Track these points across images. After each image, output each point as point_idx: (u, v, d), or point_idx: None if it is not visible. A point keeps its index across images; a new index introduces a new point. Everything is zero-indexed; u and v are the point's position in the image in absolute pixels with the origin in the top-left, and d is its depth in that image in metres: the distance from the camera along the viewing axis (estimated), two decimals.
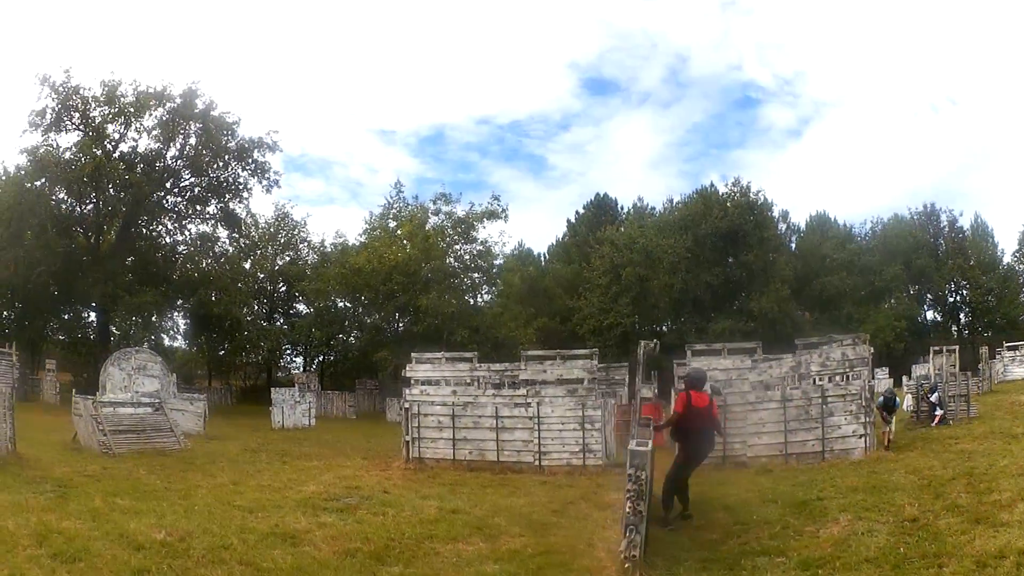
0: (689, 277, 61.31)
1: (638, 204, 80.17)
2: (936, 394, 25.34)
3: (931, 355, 29.70)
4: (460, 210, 58.02)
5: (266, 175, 56.11)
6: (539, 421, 20.07)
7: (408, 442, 20.83)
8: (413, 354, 22.36)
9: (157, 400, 24.70)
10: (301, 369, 69.65)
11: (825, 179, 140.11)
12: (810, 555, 9.35)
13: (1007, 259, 78.84)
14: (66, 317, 57.75)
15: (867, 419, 18.99)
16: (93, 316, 57.26)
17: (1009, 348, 49.87)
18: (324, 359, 68.32)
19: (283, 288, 69.52)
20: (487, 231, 64.81)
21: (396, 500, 14.40)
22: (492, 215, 57.40)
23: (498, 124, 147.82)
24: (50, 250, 48.67)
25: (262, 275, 66.56)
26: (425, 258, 54.14)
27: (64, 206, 53.66)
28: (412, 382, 21.60)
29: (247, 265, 62.16)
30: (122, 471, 17.00)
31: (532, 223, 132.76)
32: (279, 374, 71.27)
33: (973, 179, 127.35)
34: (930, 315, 77.03)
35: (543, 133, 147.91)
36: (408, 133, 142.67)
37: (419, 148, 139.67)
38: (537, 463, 19.83)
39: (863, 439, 18.77)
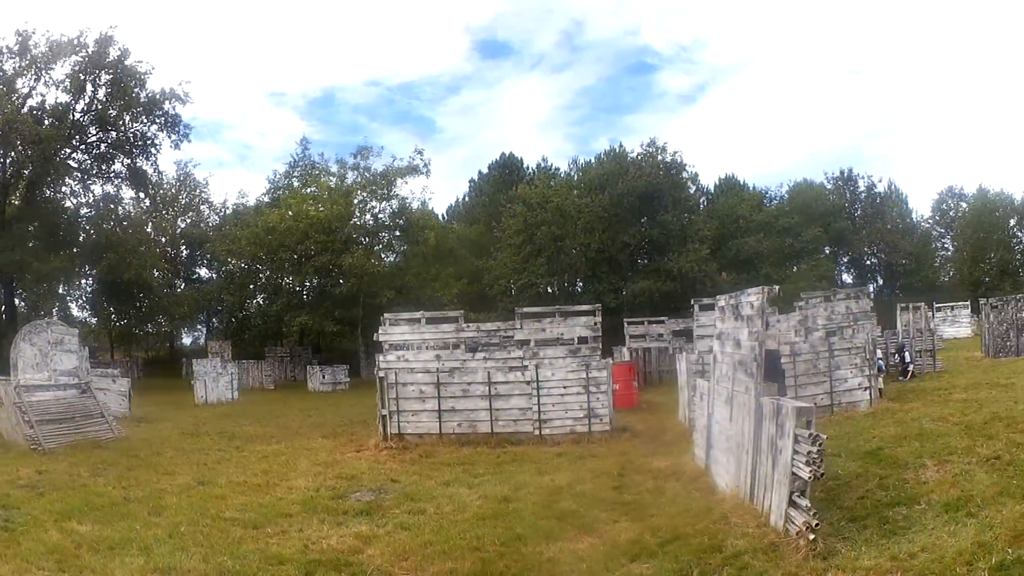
0: (605, 237, 59.92)
1: (542, 164, 78.50)
2: (905, 351, 25.96)
3: (898, 312, 31.64)
4: (380, 164, 54.96)
5: (177, 129, 51.69)
6: (538, 386, 17.91)
7: (385, 416, 18.26)
8: (386, 315, 19.62)
9: (82, 380, 21.14)
10: (203, 338, 66.21)
11: (721, 144, 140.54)
12: (942, 498, 8.86)
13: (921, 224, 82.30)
14: None
15: (870, 372, 18.98)
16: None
17: (938, 309, 52.04)
18: (228, 326, 64.01)
19: (185, 252, 65.30)
20: (409, 187, 61.68)
21: (417, 491, 12.13)
22: (413, 170, 54.41)
23: (388, 86, 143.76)
24: None
25: (164, 239, 62.07)
26: (346, 215, 50.97)
27: None
28: (384, 347, 18.97)
29: (149, 228, 57.37)
30: (62, 475, 13.95)
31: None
32: (181, 343, 67.37)
33: (876, 147, 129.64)
34: (846, 277, 77.86)
35: (433, 96, 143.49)
36: (298, 95, 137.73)
37: (308, 110, 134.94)
38: (537, 432, 17.75)
39: (867, 392, 18.76)
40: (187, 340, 71.66)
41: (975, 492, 8.83)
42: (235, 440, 19.97)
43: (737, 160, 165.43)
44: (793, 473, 8.18)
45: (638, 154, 62.22)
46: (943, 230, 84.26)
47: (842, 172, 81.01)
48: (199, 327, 69.19)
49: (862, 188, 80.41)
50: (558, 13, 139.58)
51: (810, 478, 7.96)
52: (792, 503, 8.21)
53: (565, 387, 17.91)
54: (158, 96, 49.91)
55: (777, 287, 10.42)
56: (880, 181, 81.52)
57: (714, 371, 12.19)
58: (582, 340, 18.39)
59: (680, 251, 58.74)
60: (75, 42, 47.47)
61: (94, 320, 61.90)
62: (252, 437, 20.61)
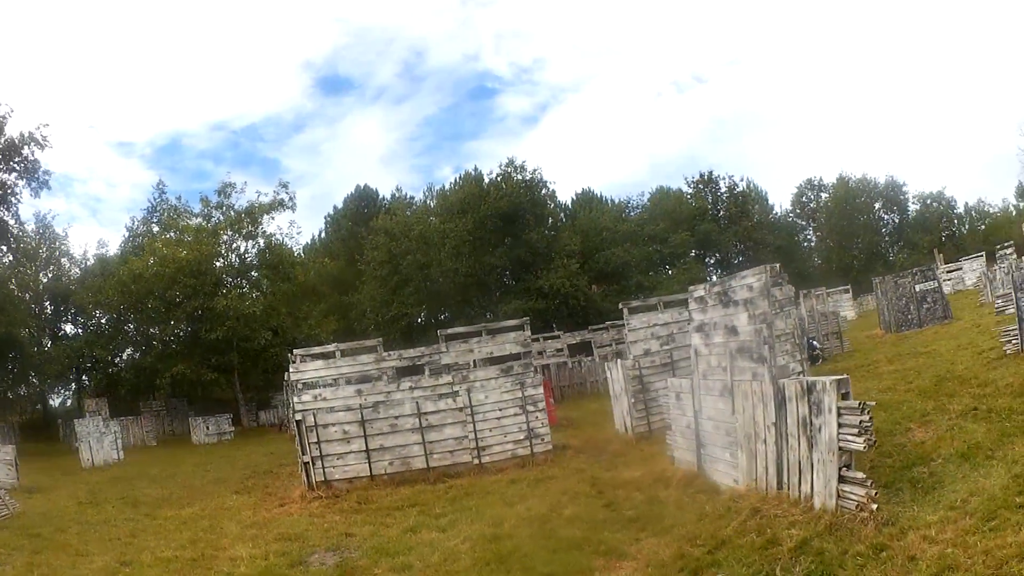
0: (472, 261, 59.47)
1: (397, 194, 77.71)
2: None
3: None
4: (244, 201, 52.62)
5: (36, 176, 47.30)
6: (472, 411, 16.76)
7: (308, 463, 16.71)
8: (296, 351, 18.08)
9: None
10: (73, 398, 61.79)
11: (568, 161, 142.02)
12: (953, 451, 8.97)
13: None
14: None
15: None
16: None
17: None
18: (100, 383, 59.70)
19: (50, 308, 60.75)
20: (276, 222, 59.41)
21: (385, 544, 10.85)
22: (279, 205, 52.32)
23: (232, 129, 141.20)
24: None
25: (28, 295, 57.51)
26: (212, 255, 48.27)
27: None
28: (298, 387, 17.37)
29: (12, 284, 52.76)
30: None
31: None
32: (52, 405, 62.75)
33: (726, 149, 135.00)
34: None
35: (276, 136, 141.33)
36: (145, 144, 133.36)
37: (155, 159, 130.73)
38: (477, 461, 16.59)
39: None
40: (56, 401, 66.71)
41: (978, 440, 9.05)
42: (141, 506, 17.98)
43: (588, 174, 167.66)
44: (840, 448, 7.99)
45: (497, 175, 61.86)
46: (805, 221, 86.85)
47: (702, 175, 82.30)
48: (70, 386, 64.48)
49: (724, 189, 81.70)
50: (398, 43, 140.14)
51: (865, 447, 7.79)
52: (842, 479, 8.01)
53: (501, 409, 16.89)
54: (16, 141, 45.95)
55: (778, 264, 9.85)
56: (741, 180, 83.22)
57: (698, 366, 11.46)
58: (514, 357, 17.37)
59: (548, 268, 58.74)
60: None
61: None
62: (158, 501, 18.61)
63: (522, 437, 16.74)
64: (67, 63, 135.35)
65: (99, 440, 30.74)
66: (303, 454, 16.70)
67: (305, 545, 11.36)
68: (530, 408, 16.82)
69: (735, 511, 8.97)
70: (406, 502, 13.94)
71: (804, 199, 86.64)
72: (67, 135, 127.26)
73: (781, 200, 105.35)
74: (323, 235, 78.13)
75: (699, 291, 11.51)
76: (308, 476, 16.65)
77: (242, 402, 46.54)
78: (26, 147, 46.26)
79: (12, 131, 46.51)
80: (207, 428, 39.50)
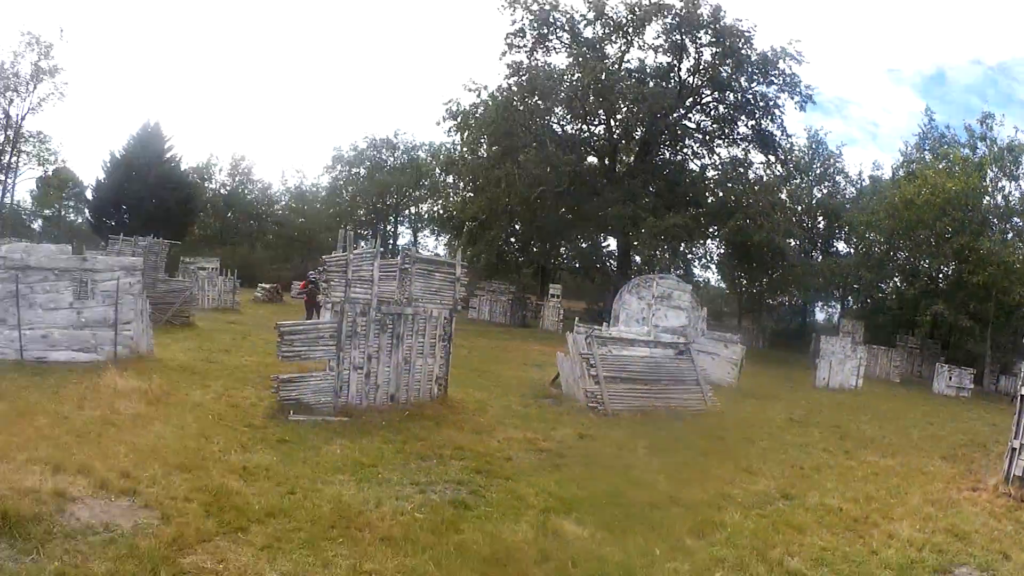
0: None
1: None
2: None
3: None
4: (1004, 136, 46.24)
5: (797, 89, 48.80)
6: None
7: (1015, 450, 13.19)
8: None
9: (682, 341, 18.98)
10: (836, 316, 62.31)
11: None
12: None
13: None
14: (580, 244, 56.28)
15: None
16: (612, 241, 54.81)
17: None
18: (863, 306, 59.30)
19: (822, 223, 62.27)
20: None
21: None
22: None
23: (988, 66, 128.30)
24: (554, 170, 46.51)
25: (799, 207, 59.79)
26: (979, 192, 43.38)
27: (569, 126, 51.76)
28: None
29: (783, 196, 55.05)
30: (606, 446, 12.09)
31: None
32: (812, 319, 64.57)
33: None
34: None
35: None
36: (913, 73, 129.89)
37: (924, 88, 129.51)
38: None
39: None
40: (820, 316, 68.78)
41: None
42: (846, 440, 16.31)
43: None
44: None
45: None
46: None
47: None
48: (833, 303, 65.73)
49: None
50: None
51: None
52: None
53: None
54: (770, 55, 47.54)
55: None
56: None
57: None
58: None
59: None
60: (657, 2, 47.32)
61: (721, 283, 62.08)
62: (866, 440, 16.68)
63: None
64: None
65: (841, 362, 29.66)
66: (1015, 437, 13.31)
67: (961, 552, 8.82)
68: None
69: None
70: None
71: None
72: (840, 60, 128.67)
73: None
74: None
75: None
76: (1009, 466, 13.23)
77: (988, 360, 41.89)
78: (781, 61, 47.31)
79: (762, 45, 48.24)
80: (948, 379, 36.11)
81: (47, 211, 79.07)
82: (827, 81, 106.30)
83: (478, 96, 50.82)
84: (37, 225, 78.27)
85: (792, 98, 49.30)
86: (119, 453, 8.77)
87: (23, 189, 78.18)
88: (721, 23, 47.20)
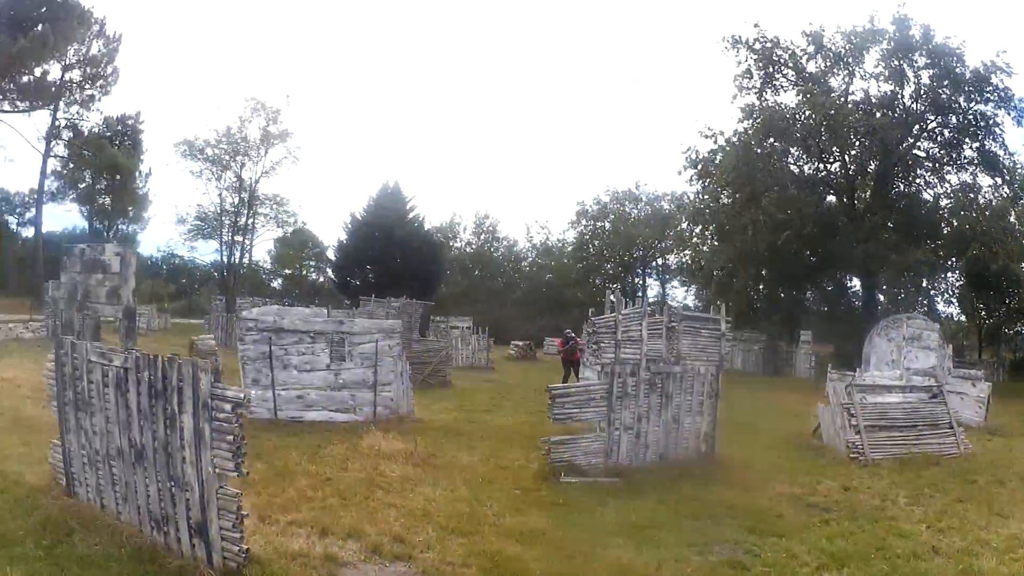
0: None
1: None
2: None
3: None
4: None
5: (1012, 104, 46.57)
6: None
7: None
8: None
9: (935, 384, 18.29)
10: None
11: None
12: None
13: None
14: (828, 287, 55.13)
15: None
16: (856, 282, 53.81)
17: None
18: None
19: None
20: None
21: None
22: None
23: None
24: (797, 212, 46.31)
25: None
26: None
27: (806, 166, 51.36)
28: None
29: (1012, 218, 52.16)
30: (871, 499, 11.97)
31: None
32: None
33: None
34: None
35: None
36: None
37: None
38: None
39: None
40: None
41: None
42: None
43: None
44: None
45: None
46: None
47: None
48: None
49: None
50: None
51: None
52: None
53: None
54: (982, 71, 45.68)
55: None
56: None
57: None
58: None
59: None
60: (871, 28, 46.82)
61: (961, 316, 59.32)
62: None
63: None
64: None
65: None
66: None
67: None
68: None
69: None
70: None
71: None
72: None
73: None
74: None
75: None
76: None
77: None
78: (993, 76, 45.51)
79: (973, 61, 46.31)
80: None
81: (287, 270, 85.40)
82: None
83: (715, 142, 51.05)
84: (277, 284, 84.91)
85: (1009, 113, 47.24)
86: (388, 516, 8.94)
87: (262, 250, 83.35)
88: (933, 43, 46.11)
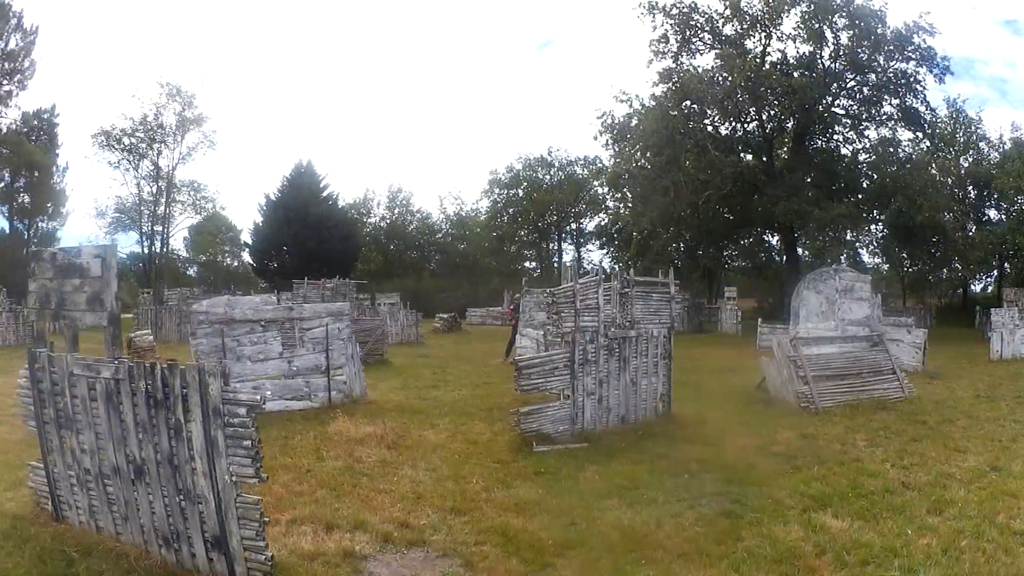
0: None
1: None
2: None
3: None
4: None
5: (934, 62, 48.73)
6: None
7: None
8: None
9: (874, 332, 19.37)
10: (993, 286, 61.51)
11: None
12: None
13: None
14: (745, 243, 56.58)
15: None
16: (775, 239, 55.63)
17: None
18: (1017, 271, 57.67)
19: (972, 193, 60.71)
20: None
21: None
22: None
23: None
24: (717, 172, 47.38)
25: (950, 179, 58.49)
26: None
27: (723, 128, 52.54)
28: None
29: (933, 171, 54.28)
30: (831, 443, 12.48)
31: None
32: (972, 291, 63.01)
33: None
34: None
35: None
36: None
37: None
38: None
39: None
40: (976, 287, 67.40)
41: None
42: None
43: None
44: None
45: None
46: None
47: None
48: (991, 273, 64.15)
49: None
50: None
51: None
52: None
53: None
54: (903, 31, 47.48)
55: None
56: None
57: None
58: None
59: None
60: None
61: (885, 266, 61.73)
62: None
63: None
64: None
65: (1011, 332, 29.28)
66: None
67: None
68: None
69: None
70: None
71: None
72: (952, 17, 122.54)
73: None
74: None
75: None
76: None
77: None
78: (915, 36, 47.28)
79: (895, 22, 48.14)
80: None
81: (202, 257, 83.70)
82: (949, 42, 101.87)
83: (630, 106, 52.09)
84: (193, 271, 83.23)
85: (931, 71, 49.12)
86: (384, 503, 8.92)
87: (179, 237, 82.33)
88: (854, 5, 47.28)
